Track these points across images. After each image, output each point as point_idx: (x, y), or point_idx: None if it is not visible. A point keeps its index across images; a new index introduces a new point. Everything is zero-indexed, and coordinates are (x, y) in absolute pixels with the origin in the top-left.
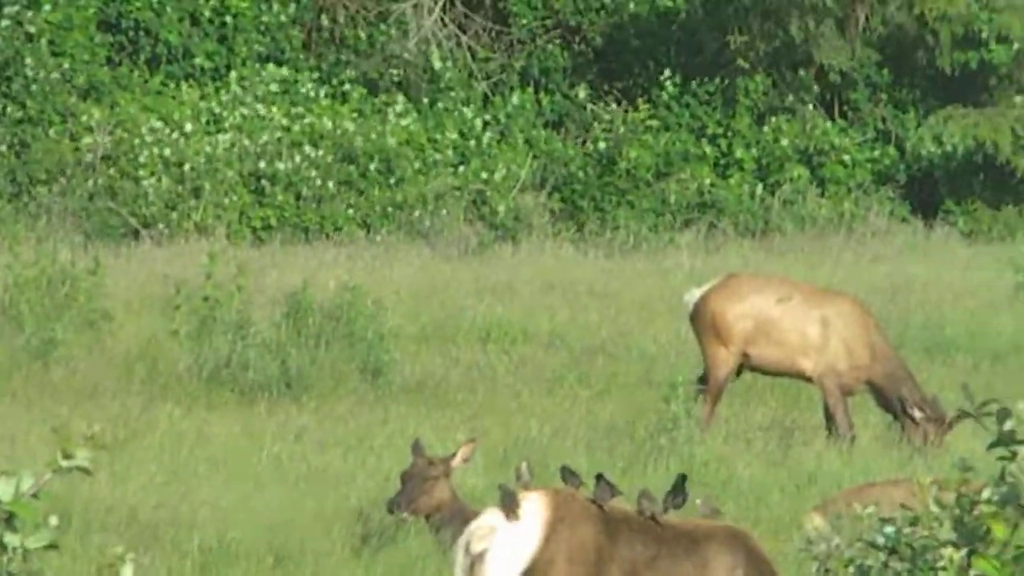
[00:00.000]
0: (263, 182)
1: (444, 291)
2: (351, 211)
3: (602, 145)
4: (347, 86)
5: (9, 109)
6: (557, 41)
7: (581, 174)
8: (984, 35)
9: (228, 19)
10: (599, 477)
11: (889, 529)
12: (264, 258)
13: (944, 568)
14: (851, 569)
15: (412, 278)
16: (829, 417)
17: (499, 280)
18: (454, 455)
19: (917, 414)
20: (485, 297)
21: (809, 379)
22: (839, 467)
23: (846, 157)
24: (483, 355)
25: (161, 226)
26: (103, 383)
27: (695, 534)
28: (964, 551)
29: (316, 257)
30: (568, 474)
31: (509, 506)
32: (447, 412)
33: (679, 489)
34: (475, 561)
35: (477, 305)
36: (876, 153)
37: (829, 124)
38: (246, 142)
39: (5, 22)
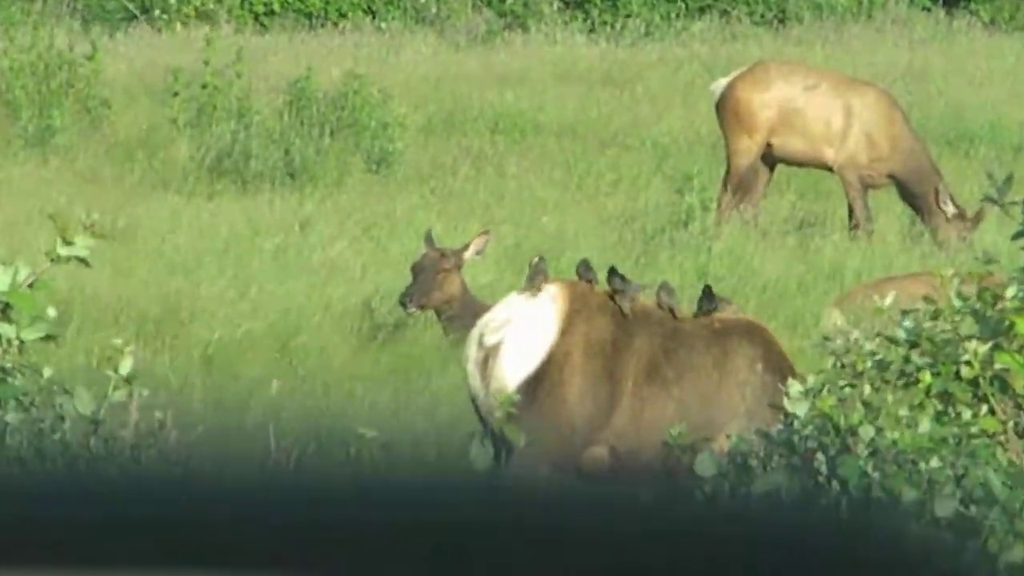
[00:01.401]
0: None
1: (452, 80)
2: None
3: None
4: None
5: None
6: None
7: None
8: None
9: None
10: (612, 271)
11: (909, 323)
12: (267, 45)
13: (967, 362)
14: (870, 364)
15: (419, 66)
16: (850, 210)
17: (509, 69)
18: (467, 247)
19: (949, 208)
20: (494, 86)
21: (831, 170)
22: (859, 261)
23: None
24: (492, 146)
25: (159, 12)
26: (102, 171)
27: (713, 328)
28: (987, 345)
29: (321, 44)
30: (583, 269)
31: (534, 281)
32: (455, 204)
33: (708, 298)
34: (489, 354)
35: (486, 94)
36: None
37: None
38: None
39: None
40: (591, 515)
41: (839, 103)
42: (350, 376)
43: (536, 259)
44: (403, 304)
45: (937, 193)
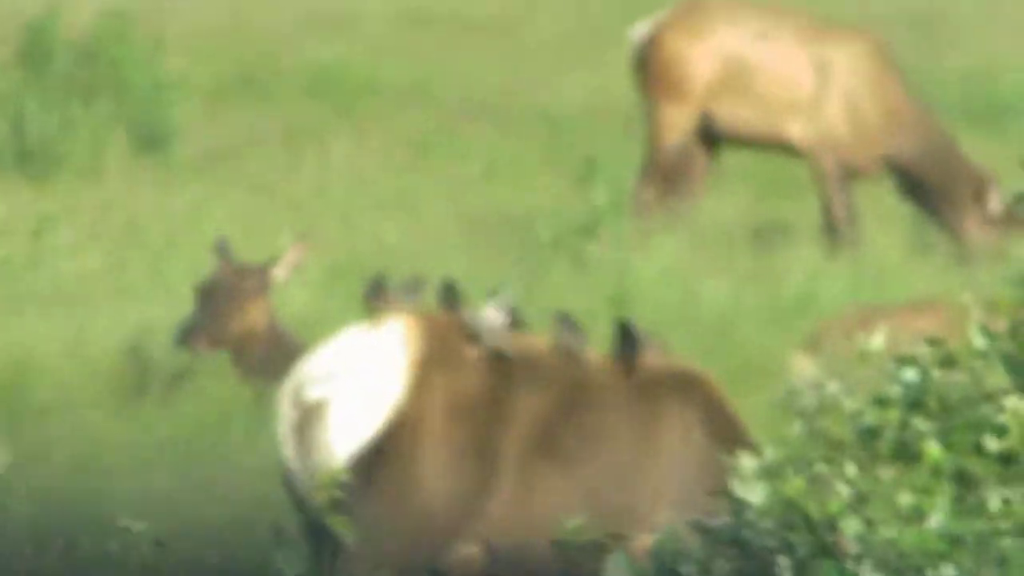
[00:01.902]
0: None
1: (253, 26)
2: None
3: None
4: None
5: None
6: None
7: None
8: None
9: None
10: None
11: (910, 373)
12: None
13: (995, 428)
14: (854, 431)
15: (207, 5)
16: (826, 210)
17: (334, 9)
18: (276, 261)
19: (994, 206)
20: (313, 33)
21: (798, 151)
22: (839, 285)
23: None
24: (309, 116)
25: None
26: None
27: (635, 380)
28: None
29: None
30: (445, 294)
31: (373, 310)
32: (259, 199)
33: (628, 337)
34: (309, 414)
35: (301, 45)
36: None
37: None
38: None
39: None
40: None
41: (808, 56)
42: (110, 446)
43: (374, 278)
44: (184, 342)
45: (976, 182)
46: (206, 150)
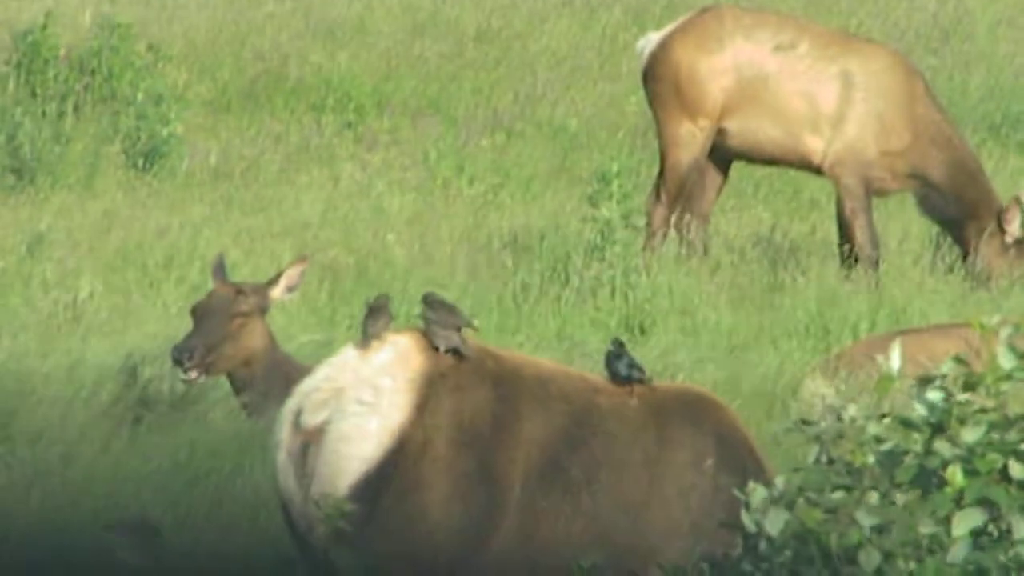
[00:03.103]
0: None
1: (257, 33)
2: None
3: None
4: None
5: None
6: None
7: None
8: None
9: None
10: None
11: (934, 394)
12: None
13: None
14: (873, 457)
15: (208, 12)
16: (845, 230)
17: (341, 17)
18: (276, 280)
19: (1015, 229)
20: (319, 42)
21: (819, 169)
22: (857, 307)
23: None
24: (315, 131)
25: None
26: None
27: (644, 403)
28: None
29: None
30: (434, 306)
31: (373, 330)
32: (259, 217)
33: (618, 355)
34: (309, 439)
35: (307, 54)
36: None
37: None
38: None
39: None
40: None
41: (832, 69)
42: (105, 477)
43: (375, 298)
44: (179, 363)
45: (1000, 211)
46: (206, 165)
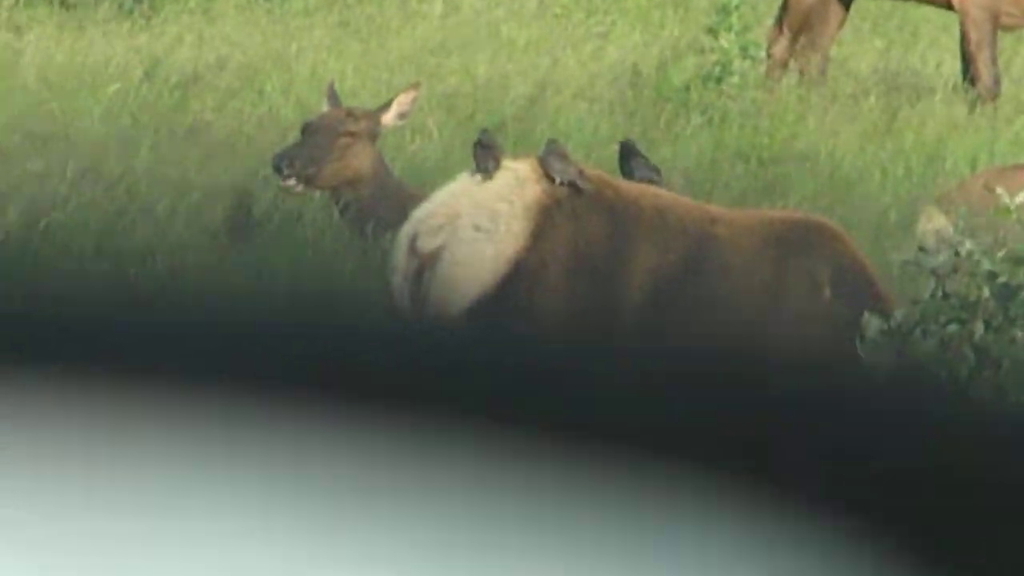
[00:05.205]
0: None
1: None
2: None
3: None
4: None
5: None
6: None
7: None
8: None
9: None
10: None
11: None
12: None
13: None
14: (988, 291)
15: None
16: (967, 63)
17: None
18: (387, 106)
19: None
20: None
21: (948, 3)
22: (973, 137)
23: None
24: None
25: None
26: None
27: (758, 231)
28: None
29: None
30: (552, 152)
31: (484, 160)
32: (374, 43)
33: (630, 155)
34: (425, 263)
35: None
36: None
37: None
38: None
39: None
40: None
41: None
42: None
43: (484, 132)
44: (278, 170)
45: None
46: None
